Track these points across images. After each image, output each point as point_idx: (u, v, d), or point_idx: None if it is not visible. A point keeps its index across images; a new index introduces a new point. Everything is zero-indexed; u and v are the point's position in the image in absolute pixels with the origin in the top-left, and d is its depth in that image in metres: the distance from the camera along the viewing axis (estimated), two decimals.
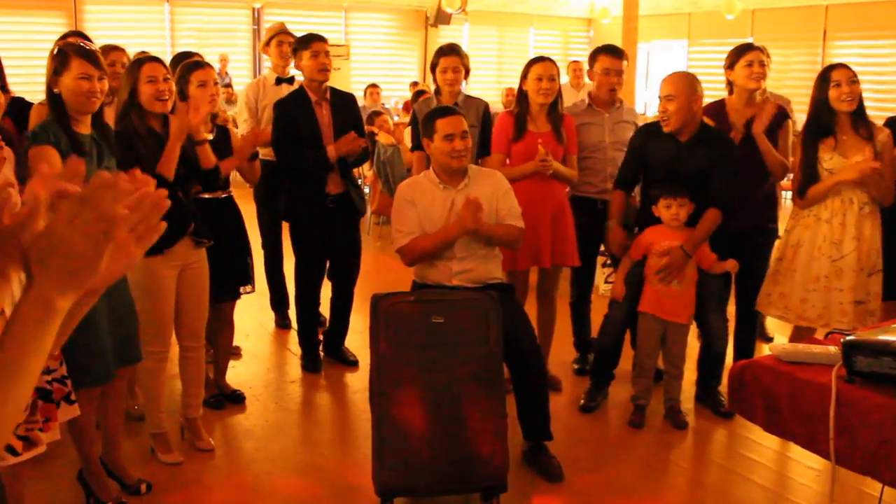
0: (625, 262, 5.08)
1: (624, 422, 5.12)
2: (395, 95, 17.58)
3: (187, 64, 4.97)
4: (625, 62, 5.70)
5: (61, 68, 3.81)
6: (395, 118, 12.78)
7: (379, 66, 19.04)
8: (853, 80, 4.82)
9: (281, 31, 6.81)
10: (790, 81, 17.45)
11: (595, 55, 5.75)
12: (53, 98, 3.83)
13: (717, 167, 4.88)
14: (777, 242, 5.35)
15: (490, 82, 20.47)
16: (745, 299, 5.43)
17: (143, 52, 4.90)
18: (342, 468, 4.60)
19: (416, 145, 5.59)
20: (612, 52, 5.71)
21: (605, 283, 7.30)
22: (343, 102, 5.80)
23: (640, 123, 5.70)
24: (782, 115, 5.28)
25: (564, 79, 7.93)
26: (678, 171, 4.89)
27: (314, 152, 5.57)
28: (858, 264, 4.84)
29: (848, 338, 2.46)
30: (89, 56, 3.85)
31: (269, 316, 6.81)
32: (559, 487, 4.36)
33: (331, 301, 6.09)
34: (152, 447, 4.62)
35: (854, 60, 16.66)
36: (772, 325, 6.47)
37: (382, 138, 10.27)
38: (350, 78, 18.38)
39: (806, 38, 17.41)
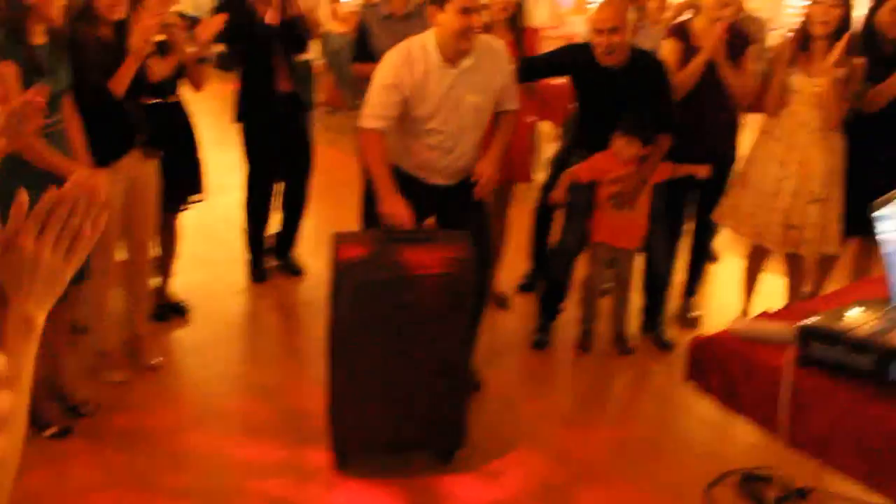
0: (567, 176, 4.90)
1: (571, 344, 5.16)
2: None
3: None
4: None
5: None
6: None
7: None
8: (834, 4, 4.68)
9: None
10: None
11: None
12: (14, 6, 3.60)
13: (656, 91, 4.78)
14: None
15: None
16: (703, 220, 5.43)
17: None
18: (292, 390, 4.57)
19: (360, 56, 5.43)
20: None
21: None
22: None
23: None
24: (743, 39, 5.19)
25: None
26: (609, 99, 4.78)
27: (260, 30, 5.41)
28: (796, 188, 4.82)
29: (804, 322, 2.45)
30: None
31: (214, 216, 6.47)
32: (501, 419, 4.38)
33: (283, 202, 5.98)
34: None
35: None
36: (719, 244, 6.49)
37: (334, 27, 10.02)
38: None
39: None
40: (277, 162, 5.80)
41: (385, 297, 3.62)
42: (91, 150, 3.97)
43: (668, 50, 5.17)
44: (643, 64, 4.80)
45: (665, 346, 5.21)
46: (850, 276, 5.29)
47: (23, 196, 1.30)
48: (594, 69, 4.74)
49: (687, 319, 5.59)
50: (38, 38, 3.70)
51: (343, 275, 3.63)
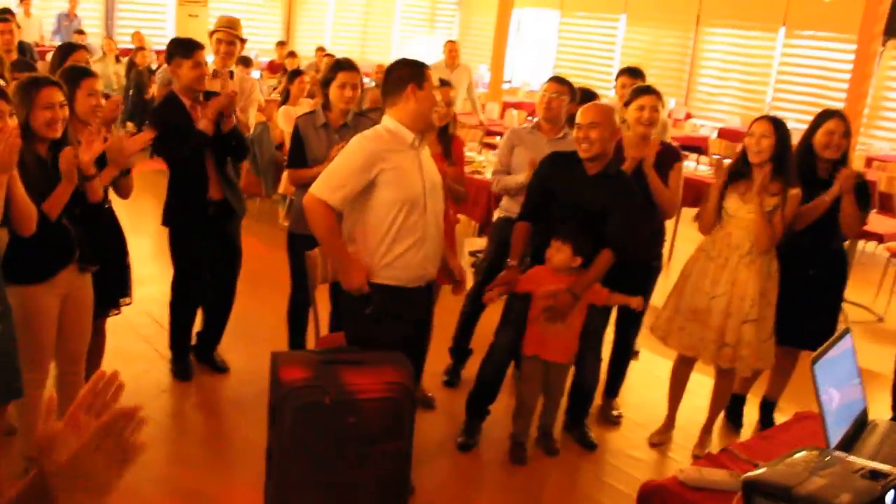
0: (505, 275, 4.99)
1: (498, 445, 5.22)
2: (256, 49, 17.31)
3: (74, 69, 4.79)
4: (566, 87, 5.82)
5: None
6: (262, 89, 12.55)
7: (241, 17, 18.64)
8: (765, 135, 4.93)
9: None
10: (659, 63, 17.87)
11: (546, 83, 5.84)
12: None
13: (618, 207, 4.87)
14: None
15: (355, 39, 20.41)
16: (624, 332, 5.64)
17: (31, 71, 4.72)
18: (222, 495, 4.54)
19: (295, 162, 5.50)
20: (557, 80, 5.82)
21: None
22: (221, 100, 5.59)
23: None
24: (674, 155, 5.44)
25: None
26: (580, 205, 4.86)
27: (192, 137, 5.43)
28: (728, 308, 5.00)
29: (748, 475, 2.56)
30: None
31: (134, 309, 6.21)
32: None
33: (207, 303, 5.99)
34: (26, 468, 4.51)
35: (724, 49, 17.28)
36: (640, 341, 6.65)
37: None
38: (207, 26, 18.01)
39: (679, 22, 17.76)
40: (205, 265, 5.82)
41: (327, 420, 3.68)
42: (27, 266, 3.99)
43: None
44: (617, 178, 4.94)
45: (590, 446, 5.32)
46: (773, 375, 5.68)
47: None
48: (571, 175, 4.90)
49: (610, 417, 5.72)
50: None
51: (286, 397, 3.68)
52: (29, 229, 3.87)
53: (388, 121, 4.27)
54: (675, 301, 5.23)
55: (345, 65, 5.53)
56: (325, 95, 5.51)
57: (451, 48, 11.42)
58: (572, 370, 5.26)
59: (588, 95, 6.02)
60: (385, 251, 4.22)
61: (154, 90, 12.44)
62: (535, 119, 6.11)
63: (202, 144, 5.43)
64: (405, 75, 4.25)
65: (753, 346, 5.01)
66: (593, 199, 4.85)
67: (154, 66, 13.33)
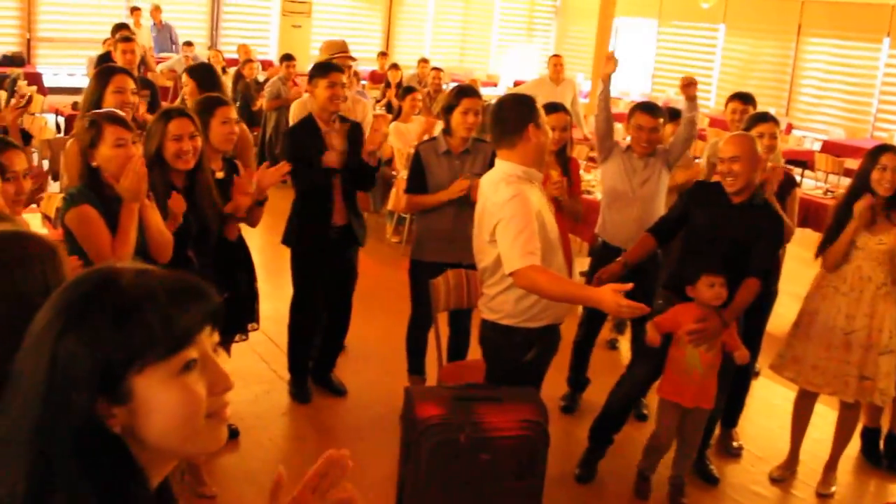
0: (612, 267, 4.95)
1: (618, 489, 5.15)
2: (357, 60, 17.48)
3: (210, 98, 4.92)
4: (661, 119, 5.82)
5: (97, 139, 3.78)
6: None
7: (342, 27, 18.87)
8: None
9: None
10: (759, 74, 17.61)
11: (632, 111, 5.85)
12: (90, 170, 3.80)
13: (765, 237, 4.79)
14: (797, 307, 5.35)
15: (453, 49, 20.46)
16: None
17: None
18: None
19: (415, 188, 5.57)
20: (650, 111, 5.82)
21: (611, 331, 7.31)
22: (355, 130, 5.73)
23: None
24: (791, 181, 5.39)
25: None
26: (720, 235, 4.79)
27: (322, 171, 5.55)
28: (868, 341, 4.94)
29: None
30: (121, 122, 3.83)
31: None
32: None
33: (325, 328, 6.07)
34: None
35: (826, 59, 16.96)
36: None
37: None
38: (311, 37, 18.25)
39: (779, 32, 17.48)
40: (322, 289, 5.89)
41: (462, 457, 3.70)
42: None
43: None
44: (760, 208, 4.86)
45: (711, 480, 5.25)
46: None
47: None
48: (715, 205, 4.84)
49: (731, 448, 5.64)
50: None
51: (421, 434, 3.71)
52: (164, 257, 3.96)
53: (513, 167, 4.18)
54: (802, 341, 5.15)
55: (468, 91, 5.56)
56: (446, 121, 5.54)
57: (557, 63, 11.36)
58: None
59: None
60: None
61: (261, 102, 12.62)
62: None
63: (333, 171, 5.52)
64: (523, 115, 4.19)
65: (891, 376, 4.96)
66: (739, 229, 4.77)
67: (261, 79, 13.52)
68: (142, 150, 3.94)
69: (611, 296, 3.70)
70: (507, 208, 4.04)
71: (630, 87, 19.16)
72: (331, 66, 5.71)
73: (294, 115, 6.71)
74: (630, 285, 3.74)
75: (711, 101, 18.07)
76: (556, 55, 11.76)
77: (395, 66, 14.42)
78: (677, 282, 4.89)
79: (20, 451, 1.31)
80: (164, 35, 16.20)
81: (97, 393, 1.32)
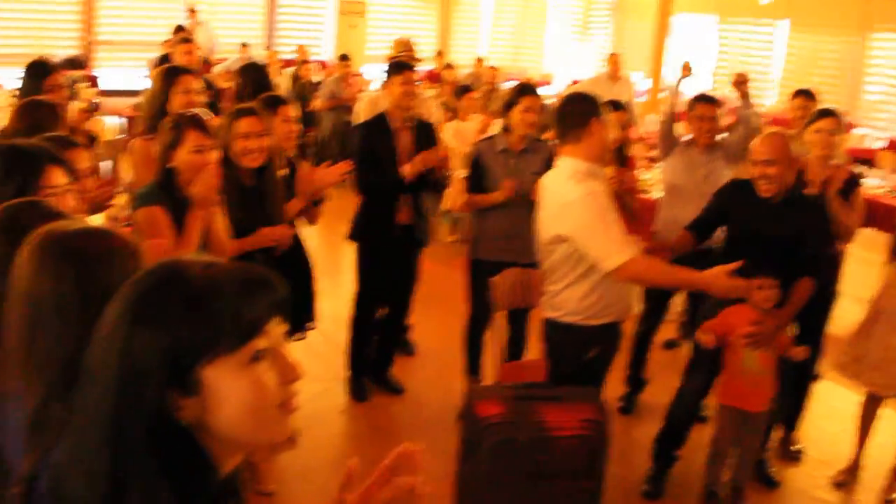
0: (701, 333, 4.68)
1: (681, 491, 5.07)
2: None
3: (272, 97, 4.97)
4: (720, 109, 5.81)
5: (177, 141, 3.82)
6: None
7: (397, 27, 18.91)
8: None
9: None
10: (822, 70, 17.35)
11: (692, 104, 5.82)
12: (165, 169, 3.84)
13: (812, 233, 4.70)
14: (860, 309, 5.27)
15: (508, 47, 20.45)
16: (803, 361, 5.44)
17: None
18: None
19: (474, 188, 5.56)
20: (708, 101, 5.80)
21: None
22: (426, 132, 5.78)
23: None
24: (855, 180, 5.29)
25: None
26: (763, 234, 4.69)
27: (391, 175, 5.57)
28: None
29: None
30: (203, 128, 3.88)
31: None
32: None
33: (382, 326, 6.09)
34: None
35: (893, 55, 16.63)
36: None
37: None
38: (366, 37, 18.30)
39: (844, 27, 17.16)
40: (384, 286, 5.91)
41: (521, 456, 3.68)
42: None
43: None
44: (803, 202, 4.80)
45: (771, 484, 5.18)
46: None
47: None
48: (752, 204, 4.73)
49: (790, 452, 5.56)
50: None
51: (481, 432, 3.69)
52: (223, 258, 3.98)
53: (578, 164, 4.16)
54: (863, 340, 5.05)
55: (528, 89, 5.55)
56: (505, 120, 5.52)
57: (615, 60, 11.34)
58: None
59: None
60: (606, 289, 4.17)
61: (317, 103, 12.68)
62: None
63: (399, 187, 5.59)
64: (587, 110, 4.20)
65: None
66: (781, 227, 4.67)
67: (315, 79, 13.58)
68: (216, 156, 3.96)
69: (721, 278, 3.84)
70: (585, 207, 4.03)
71: (689, 85, 18.99)
72: (405, 65, 5.77)
73: (363, 112, 6.75)
74: (738, 263, 3.86)
75: (772, 98, 17.82)
76: (614, 53, 11.75)
77: (449, 66, 14.42)
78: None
79: (96, 443, 1.34)
80: (205, 35, 16.25)
81: (168, 385, 1.33)
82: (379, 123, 5.71)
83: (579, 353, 4.20)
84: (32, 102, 4.62)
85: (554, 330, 4.31)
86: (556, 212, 4.16)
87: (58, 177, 2.89)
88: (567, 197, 4.08)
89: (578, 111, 4.20)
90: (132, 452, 1.32)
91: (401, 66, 5.72)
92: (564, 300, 4.23)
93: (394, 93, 5.62)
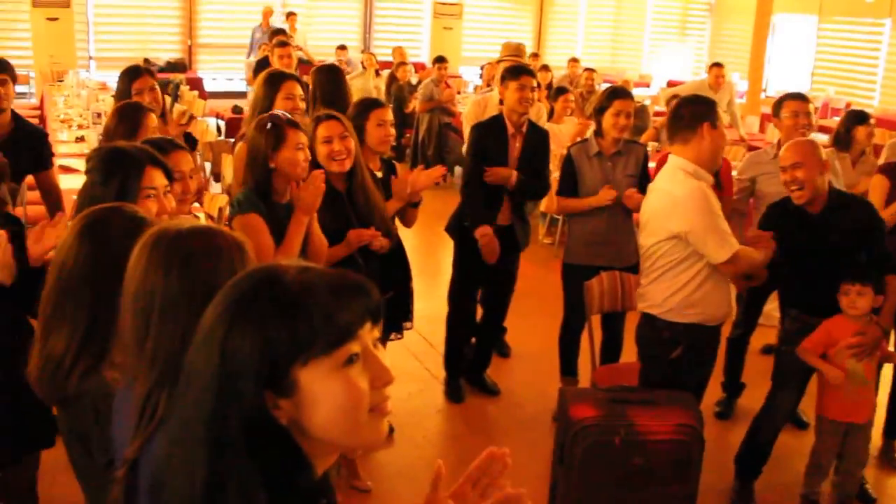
0: (803, 354, 4.59)
1: (779, 500, 5.00)
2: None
3: (366, 100, 5.04)
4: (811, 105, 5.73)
5: (279, 142, 3.88)
6: None
7: (493, 29, 18.96)
8: None
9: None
10: None
11: (782, 103, 5.73)
12: (266, 171, 3.90)
13: (872, 232, 4.61)
14: None
15: (605, 49, 20.33)
16: None
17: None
18: None
19: (565, 191, 5.58)
20: (798, 97, 5.72)
21: None
22: (537, 139, 5.80)
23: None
24: None
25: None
26: (815, 248, 4.57)
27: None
28: None
29: None
30: (299, 127, 3.97)
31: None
32: None
33: (479, 327, 6.16)
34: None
35: None
36: None
37: None
38: (461, 39, 18.38)
39: None
40: (480, 285, 5.98)
41: (615, 460, 3.70)
42: None
43: (875, 187, 5.18)
44: (846, 205, 4.67)
45: (869, 500, 5.00)
46: None
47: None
48: (795, 220, 4.63)
49: (893, 460, 5.46)
50: (284, 196, 3.95)
51: (576, 435, 3.72)
52: (321, 262, 4.06)
53: (683, 163, 4.18)
54: None
55: (620, 93, 5.56)
56: (598, 123, 5.53)
57: (719, 74, 11.28)
58: None
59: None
60: (696, 287, 4.18)
61: (414, 105, 12.79)
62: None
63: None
64: (700, 113, 4.19)
65: None
66: (828, 237, 4.54)
67: (413, 81, 13.70)
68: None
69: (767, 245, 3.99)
70: (694, 201, 4.09)
71: (788, 86, 18.68)
72: (522, 69, 5.79)
73: (471, 114, 6.80)
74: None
75: (875, 99, 17.44)
76: (717, 64, 11.61)
77: (545, 68, 14.41)
78: (800, 298, 4.76)
79: (195, 440, 1.39)
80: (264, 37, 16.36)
81: (264, 386, 1.38)
82: (494, 125, 5.76)
83: (664, 351, 4.21)
84: (128, 105, 4.77)
85: (642, 324, 4.38)
86: (667, 210, 4.18)
87: (157, 178, 3.01)
88: (676, 194, 4.13)
89: (691, 113, 4.21)
90: (230, 450, 1.37)
91: (518, 70, 5.73)
92: (652, 292, 4.29)
93: (509, 97, 5.65)
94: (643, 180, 5.43)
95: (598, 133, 5.53)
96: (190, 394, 1.42)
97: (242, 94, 15.11)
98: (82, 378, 2.26)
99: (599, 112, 5.49)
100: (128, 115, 4.57)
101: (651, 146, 8.65)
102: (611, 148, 5.46)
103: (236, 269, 1.88)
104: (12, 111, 5.46)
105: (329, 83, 5.80)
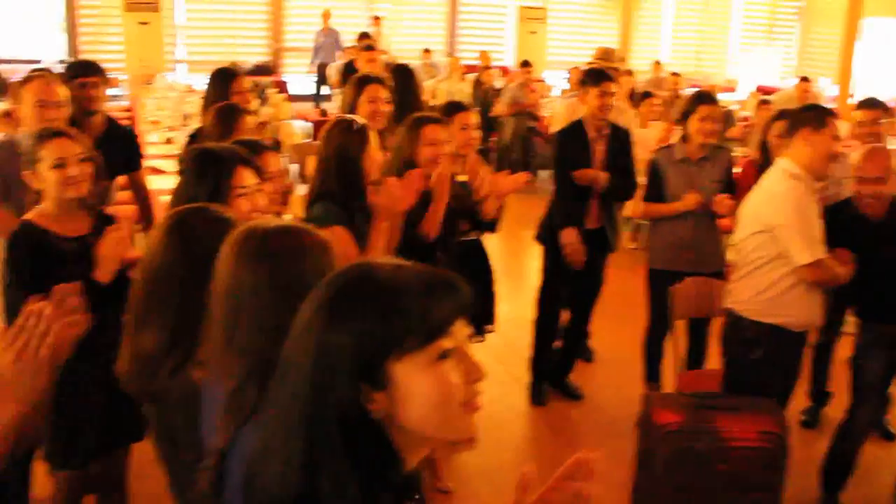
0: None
1: None
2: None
3: (452, 104, 5.08)
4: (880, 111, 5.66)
5: (365, 144, 3.88)
6: None
7: (577, 32, 18.91)
8: None
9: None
10: None
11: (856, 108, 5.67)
12: (358, 173, 3.88)
13: None
14: None
15: (690, 53, 20.14)
16: None
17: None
18: None
19: (651, 196, 5.56)
20: (868, 104, 5.65)
21: None
22: (620, 139, 5.81)
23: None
24: None
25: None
26: (881, 257, 4.52)
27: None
28: None
29: None
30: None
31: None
32: None
33: (565, 332, 6.17)
34: None
35: None
36: None
37: None
38: (546, 42, 18.35)
39: None
40: (568, 290, 5.99)
41: (698, 466, 3.68)
42: None
43: None
44: None
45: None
46: None
47: None
48: (858, 223, 4.61)
49: None
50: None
51: (659, 440, 3.71)
52: None
53: (788, 164, 4.22)
54: None
55: (706, 98, 5.52)
56: (684, 128, 5.50)
57: (804, 87, 11.19)
58: None
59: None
60: (786, 288, 4.17)
61: (499, 108, 12.82)
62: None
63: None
64: (804, 118, 4.24)
65: None
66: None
67: (497, 85, 13.72)
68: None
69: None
70: (788, 199, 4.13)
71: (877, 91, 18.28)
72: (604, 75, 5.79)
73: (558, 118, 6.82)
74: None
75: None
76: (805, 79, 11.53)
77: (628, 72, 14.34)
78: (879, 308, 4.68)
79: (291, 432, 1.43)
80: (330, 41, 16.47)
81: (359, 380, 1.42)
82: (575, 131, 5.77)
83: (746, 350, 4.20)
84: (227, 107, 4.85)
85: (727, 322, 4.38)
86: (762, 203, 4.24)
87: (247, 178, 3.08)
88: (774, 189, 4.20)
89: (800, 118, 4.28)
90: (324, 442, 1.41)
91: (600, 76, 5.75)
92: (739, 289, 4.29)
93: (590, 103, 5.68)
94: (730, 186, 5.42)
95: (684, 138, 5.50)
96: (286, 386, 1.46)
97: (323, 97, 15.32)
98: (170, 376, 2.32)
99: (685, 116, 5.47)
100: (226, 116, 4.66)
101: (739, 152, 8.57)
102: (696, 153, 5.42)
103: (322, 267, 1.93)
104: (105, 113, 5.59)
105: (402, 82, 5.80)
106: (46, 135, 3.54)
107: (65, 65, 8.85)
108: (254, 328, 1.89)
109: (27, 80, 4.66)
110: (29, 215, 3.54)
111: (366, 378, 1.42)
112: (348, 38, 15.41)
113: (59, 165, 3.46)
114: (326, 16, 16.45)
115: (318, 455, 1.41)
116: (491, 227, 4.94)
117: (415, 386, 1.43)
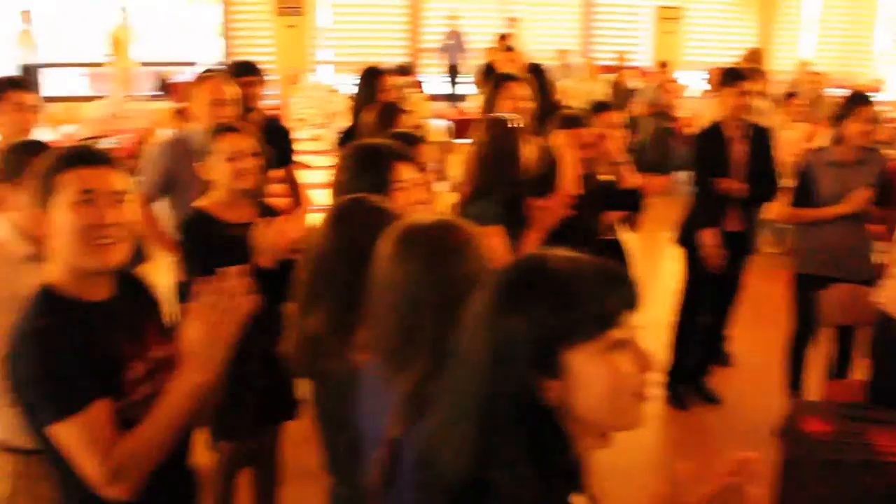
0: None
1: None
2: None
3: (599, 105, 5.11)
4: None
5: (519, 142, 3.94)
6: None
7: (715, 32, 18.60)
8: None
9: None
10: None
11: None
12: (517, 172, 3.92)
13: None
14: None
15: (832, 51, 19.59)
16: None
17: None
18: None
19: (800, 201, 5.41)
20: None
21: None
22: (762, 138, 5.73)
23: None
24: None
25: None
26: None
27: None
28: None
29: None
30: None
31: None
32: None
33: (704, 335, 6.11)
34: None
35: None
36: None
37: None
38: (683, 42, 18.10)
39: None
40: (709, 293, 5.92)
41: (848, 480, 3.58)
42: None
43: None
44: None
45: None
46: None
47: None
48: None
49: None
50: None
51: (809, 449, 3.63)
52: None
53: None
54: None
55: (863, 98, 5.35)
56: (837, 130, 5.36)
57: None
58: None
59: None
60: None
61: (636, 108, 12.71)
62: None
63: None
64: None
65: None
66: None
67: (631, 85, 13.60)
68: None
69: None
70: None
71: None
72: (741, 75, 5.74)
73: (703, 119, 6.79)
74: None
75: None
76: None
77: (769, 72, 14.06)
78: None
79: (467, 419, 1.48)
80: (456, 42, 16.54)
81: (534, 368, 1.45)
82: (713, 133, 5.71)
83: (887, 351, 4.08)
84: (388, 105, 5.02)
85: (875, 322, 4.27)
86: None
87: (407, 172, 3.15)
88: None
89: None
90: (500, 429, 1.45)
91: (737, 76, 5.68)
92: (890, 287, 4.18)
93: (727, 103, 5.61)
94: (884, 189, 5.28)
95: (838, 140, 5.35)
96: (462, 376, 1.51)
97: (458, 97, 15.48)
98: (331, 357, 2.40)
99: (840, 118, 5.31)
100: (386, 113, 4.87)
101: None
102: (849, 156, 5.28)
103: (479, 262, 1.98)
104: (262, 110, 5.79)
105: (537, 80, 5.81)
106: (222, 130, 3.76)
107: (225, 66, 9.16)
108: (437, 325, 1.90)
109: (201, 79, 4.88)
110: (200, 202, 3.74)
111: (541, 366, 1.46)
112: (481, 40, 15.49)
113: (233, 158, 3.66)
114: (453, 17, 16.55)
115: (492, 441, 1.45)
116: (635, 205, 4.95)
117: (589, 374, 1.46)
